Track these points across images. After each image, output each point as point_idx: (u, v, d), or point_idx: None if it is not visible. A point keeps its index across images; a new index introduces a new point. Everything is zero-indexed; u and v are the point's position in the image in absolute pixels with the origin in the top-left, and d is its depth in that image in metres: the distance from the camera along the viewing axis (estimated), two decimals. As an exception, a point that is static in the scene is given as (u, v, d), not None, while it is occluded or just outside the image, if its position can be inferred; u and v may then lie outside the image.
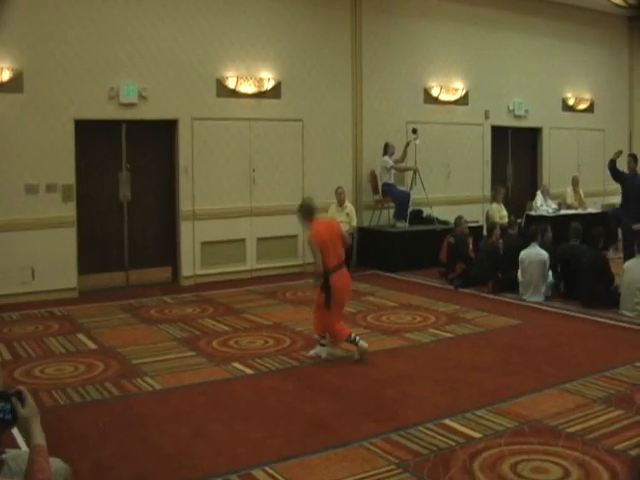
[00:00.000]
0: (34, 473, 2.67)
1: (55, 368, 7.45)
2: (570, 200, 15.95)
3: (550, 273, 10.56)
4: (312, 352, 7.79)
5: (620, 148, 13.12)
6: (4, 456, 3.46)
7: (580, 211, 15.35)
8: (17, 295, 10.51)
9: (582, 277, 10.08)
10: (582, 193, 16.13)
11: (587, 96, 17.69)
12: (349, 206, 12.99)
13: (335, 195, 12.84)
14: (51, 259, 10.81)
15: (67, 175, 11.02)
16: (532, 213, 14.80)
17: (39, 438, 2.79)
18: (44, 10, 10.74)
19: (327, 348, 7.75)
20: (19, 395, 2.80)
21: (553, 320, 9.50)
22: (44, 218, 10.83)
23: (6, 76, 10.47)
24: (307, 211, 7.67)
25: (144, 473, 5.00)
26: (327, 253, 7.50)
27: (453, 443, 5.39)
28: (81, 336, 8.75)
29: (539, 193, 15.52)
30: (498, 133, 16.12)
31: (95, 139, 11.48)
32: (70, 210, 11.06)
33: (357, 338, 7.64)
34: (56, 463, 3.49)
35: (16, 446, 4.61)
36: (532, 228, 11.16)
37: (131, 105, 11.48)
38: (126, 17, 11.39)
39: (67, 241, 11.00)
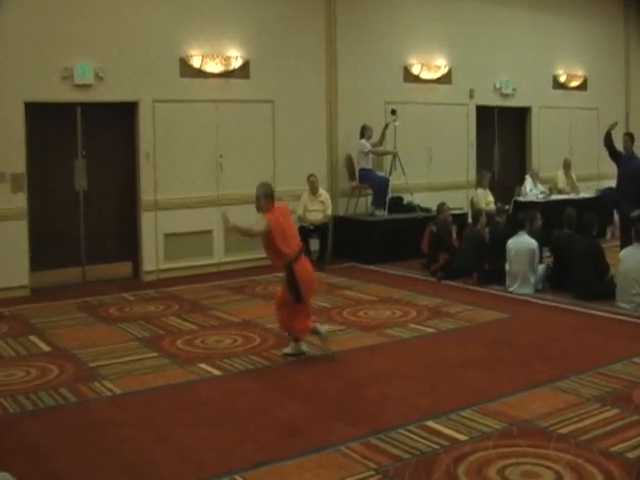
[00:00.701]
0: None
1: (4, 373, 7.35)
2: (561, 184, 16.02)
3: (541, 264, 10.61)
4: (288, 349, 7.78)
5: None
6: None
7: (573, 196, 15.41)
8: (-38, 295, 10.41)
9: (575, 267, 10.12)
10: (574, 177, 16.20)
11: (580, 73, 17.76)
12: (324, 194, 12.97)
13: (307, 183, 12.81)
14: (0, 254, 10.68)
15: (16, 163, 10.90)
16: (521, 199, 14.82)
17: None
18: (-12, -18, 10.64)
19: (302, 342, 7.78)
20: None
21: (544, 313, 9.54)
22: (-9, 210, 10.73)
23: (-54, 54, 10.36)
24: (270, 194, 7.67)
25: (103, 486, 4.97)
26: (287, 238, 7.45)
27: (436, 446, 5.39)
28: (33, 338, 8.66)
29: (528, 177, 15.56)
30: (484, 113, 16.16)
31: (47, 124, 11.36)
32: (20, 201, 10.94)
33: (316, 327, 7.69)
34: (4, 477, 3.45)
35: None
36: (520, 215, 11.18)
37: (86, 86, 11.37)
38: (80, -10, 11.29)
39: (17, 235, 10.87)
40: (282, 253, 7.38)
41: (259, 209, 7.62)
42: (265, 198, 7.59)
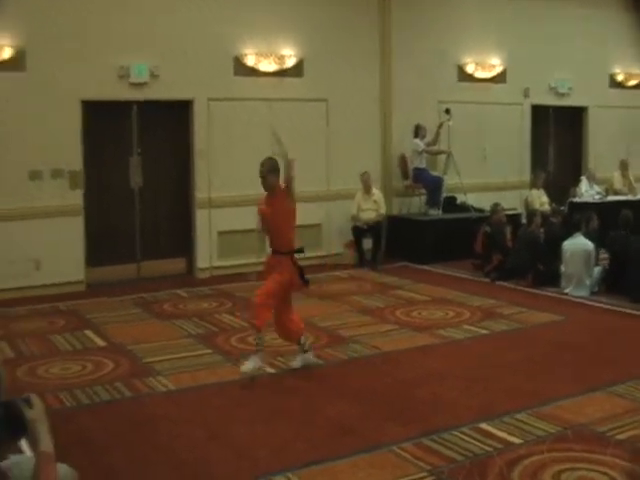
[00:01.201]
0: (41, 482, 2.66)
1: (61, 367, 7.49)
2: (618, 185, 15.77)
3: (597, 267, 10.46)
4: (298, 362, 7.37)
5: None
6: (7, 462, 3.46)
7: (630, 197, 15.15)
8: (20, 289, 10.57)
9: (631, 269, 9.96)
10: (632, 178, 15.93)
11: (638, 71, 17.40)
12: (377, 193, 12.95)
13: (360, 181, 12.79)
14: (57, 250, 10.85)
15: (74, 160, 11.07)
16: (576, 200, 14.59)
17: (46, 444, 2.78)
18: (48, -18, 10.81)
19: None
20: (27, 401, 2.80)
21: (599, 316, 9.42)
22: (49, 206, 10.88)
23: (7, 54, 10.53)
24: (277, 168, 7.28)
25: (157, 481, 5.02)
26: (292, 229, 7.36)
27: (490, 449, 5.34)
28: (89, 332, 8.80)
29: (584, 178, 15.34)
30: (538, 113, 15.96)
31: (104, 121, 11.50)
32: (77, 198, 11.12)
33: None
34: (62, 469, 3.49)
35: (20, 451, 4.64)
36: (576, 216, 11.04)
37: (142, 85, 11.50)
38: (136, -10, 11.42)
39: (74, 231, 11.05)
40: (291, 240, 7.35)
41: (271, 188, 7.25)
42: (274, 173, 7.20)
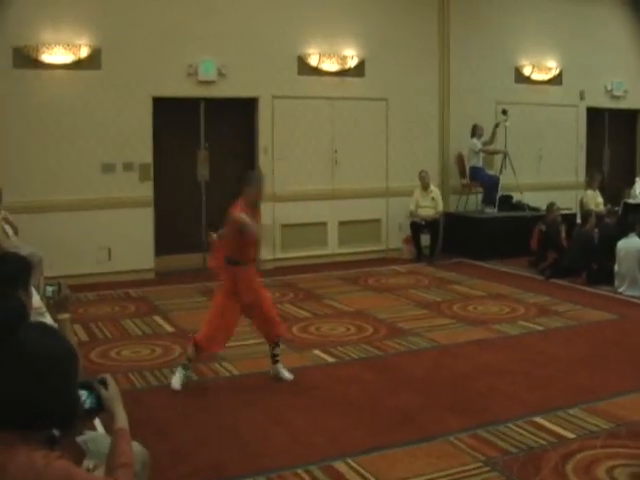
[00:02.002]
0: (116, 457, 2.71)
1: (131, 350, 7.63)
2: (673, 187, 15.43)
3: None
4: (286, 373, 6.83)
5: None
6: (82, 438, 3.55)
7: (684, 199, 14.83)
8: (93, 275, 10.77)
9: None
10: (687, 180, 15.60)
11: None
12: (435, 190, 12.90)
13: (419, 178, 12.75)
14: (128, 239, 11.04)
15: (144, 154, 11.24)
16: (630, 201, 14.33)
17: (122, 421, 2.84)
18: (123, -15, 10.97)
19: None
20: (103, 382, 2.86)
21: (653, 315, 9.25)
22: (121, 197, 11.07)
23: (84, 53, 10.72)
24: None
25: (222, 461, 5.07)
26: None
27: (544, 442, 5.29)
28: (158, 318, 8.95)
29: (638, 180, 15.04)
30: (594, 115, 15.70)
31: (173, 117, 11.65)
32: (147, 189, 11.28)
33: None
34: (135, 447, 3.55)
35: (93, 428, 4.74)
36: (630, 217, 10.87)
37: (210, 82, 11.61)
38: (205, -9, 11.51)
39: (144, 221, 11.23)
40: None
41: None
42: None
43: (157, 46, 11.18)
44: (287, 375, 6.72)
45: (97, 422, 5.07)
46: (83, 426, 3.50)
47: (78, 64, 10.72)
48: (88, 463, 3.23)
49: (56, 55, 10.56)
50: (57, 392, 2.44)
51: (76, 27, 10.68)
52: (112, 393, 2.85)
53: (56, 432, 2.51)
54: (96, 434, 4.01)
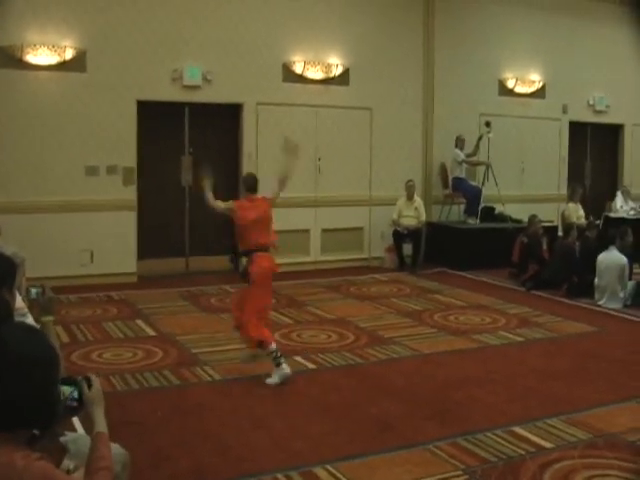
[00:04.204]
0: (96, 460, 2.73)
1: (113, 353, 7.61)
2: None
3: (631, 281, 10.37)
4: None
5: None
6: (64, 438, 3.54)
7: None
8: (75, 277, 10.73)
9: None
10: (667, 195, 15.75)
11: (675, 92, 17.22)
12: (418, 200, 12.97)
13: (405, 188, 12.82)
14: (111, 242, 11.05)
15: (128, 157, 11.24)
16: (611, 214, 14.50)
17: (101, 425, 2.85)
18: (109, -12, 10.98)
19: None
20: (88, 381, 2.86)
21: (632, 328, 9.31)
22: (104, 200, 11.06)
23: (69, 54, 10.74)
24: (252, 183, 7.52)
25: (202, 464, 5.07)
26: (251, 230, 7.24)
27: (523, 452, 5.32)
28: (140, 322, 8.94)
29: (619, 194, 15.20)
30: (576, 129, 15.87)
31: (157, 121, 11.66)
32: (131, 193, 11.27)
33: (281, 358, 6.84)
34: (115, 449, 3.55)
35: (74, 429, 4.73)
36: (611, 231, 10.95)
37: (195, 87, 11.64)
38: (192, -3, 11.54)
39: (127, 225, 11.22)
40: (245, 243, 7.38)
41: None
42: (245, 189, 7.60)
43: (143, 50, 11.20)
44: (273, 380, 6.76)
45: (78, 423, 5.06)
46: (63, 424, 3.49)
47: (63, 65, 10.73)
48: (69, 464, 3.22)
49: (41, 56, 10.56)
50: (39, 392, 2.45)
51: (62, 28, 10.68)
52: (94, 394, 2.86)
53: (36, 432, 2.51)
54: (77, 435, 4.01)
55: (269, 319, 7.58)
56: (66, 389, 2.76)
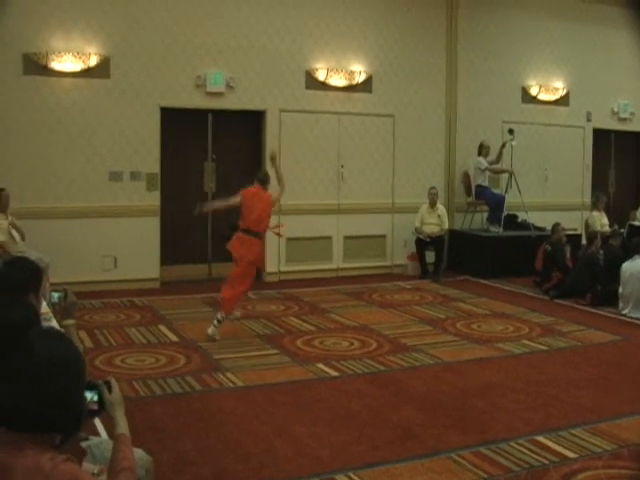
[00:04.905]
0: (118, 461, 2.76)
1: (136, 358, 7.66)
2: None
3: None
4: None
5: None
6: (87, 443, 3.56)
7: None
8: (99, 283, 10.82)
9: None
10: (691, 203, 15.63)
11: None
12: (440, 208, 12.95)
13: (428, 195, 12.81)
14: (134, 248, 11.11)
15: (152, 163, 11.31)
16: (636, 223, 14.38)
17: (123, 427, 2.88)
18: (132, -5, 11.08)
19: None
20: (107, 384, 2.89)
21: (656, 338, 9.25)
22: (127, 206, 11.13)
23: (93, 61, 10.82)
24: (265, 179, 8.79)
25: (224, 470, 5.08)
26: (248, 213, 8.49)
27: (546, 461, 5.29)
28: (162, 327, 8.99)
29: (643, 202, 15.11)
30: (600, 136, 15.76)
31: (181, 128, 11.73)
32: (154, 199, 11.33)
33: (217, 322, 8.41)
34: (139, 453, 3.58)
35: (97, 434, 4.76)
36: (635, 239, 10.88)
37: (218, 94, 11.69)
38: (215, 3, 11.62)
39: (150, 231, 11.29)
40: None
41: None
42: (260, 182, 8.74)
43: (166, 56, 11.27)
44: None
45: (100, 428, 5.10)
46: (84, 428, 3.52)
47: (87, 72, 10.82)
48: (93, 468, 3.25)
49: (65, 63, 10.66)
50: (66, 396, 2.47)
51: (86, 35, 10.79)
52: (115, 397, 2.89)
53: (59, 436, 2.53)
54: (101, 440, 4.03)
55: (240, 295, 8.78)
56: (87, 393, 2.78)
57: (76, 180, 10.85)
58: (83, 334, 8.33)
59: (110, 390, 2.89)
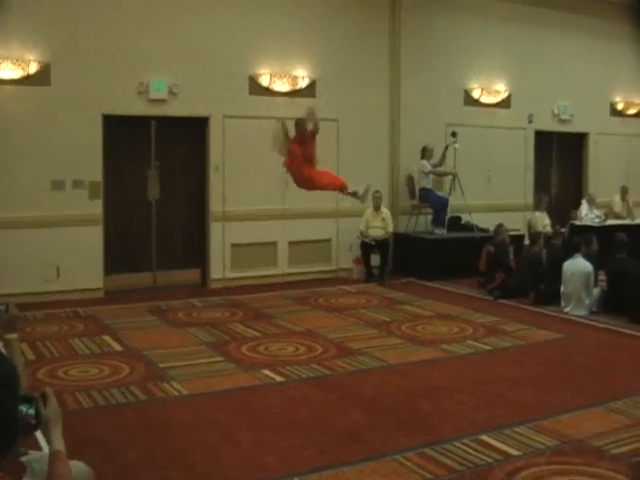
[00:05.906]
0: (55, 478, 2.72)
1: (79, 369, 7.55)
2: (618, 209, 15.79)
3: (596, 288, 10.48)
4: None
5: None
6: (27, 458, 3.51)
7: (628, 221, 15.16)
8: (41, 294, 10.65)
9: (628, 291, 9.98)
10: (631, 203, 15.96)
11: (638, 101, 17.47)
12: (385, 211, 13.03)
13: (372, 199, 12.84)
14: (77, 257, 10.96)
15: (94, 171, 11.18)
16: (577, 223, 14.61)
17: (58, 444, 2.83)
18: (72, 1, 10.93)
19: None
20: (43, 396, 2.83)
21: (598, 335, 9.41)
22: (70, 215, 10.98)
23: (33, 69, 10.67)
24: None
25: (169, 479, 5.04)
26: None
27: (490, 460, 5.35)
28: (106, 337, 8.87)
29: (584, 202, 15.34)
30: (542, 138, 16.02)
31: (123, 135, 11.62)
32: (97, 208, 11.21)
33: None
34: (80, 467, 3.54)
35: (39, 447, 4.68)
36: (576, 238, 11.08)
37: (161, 101, 11.62)
38: (157, 10, 11.53)
39: (93, 239, 11.15)
40: None
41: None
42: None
43: (108, 63, 11.15)
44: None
45: (42, 441, 5.02)
46: (21, 443, 3.46)
47: (27, 80, 10.65)
48: (32, 483, 3.20)
49: (5, 70, 10.49)
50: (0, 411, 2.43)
51: (25, 42, 10.62)
52: (50, 411, 2.83)
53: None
54: (41, 454, 3.97)
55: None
56: (23, 407, 2.73)
57: (17, 189, 10.67)
58: (25, 346, 8.16)
59: (46, 402, 2.84)
